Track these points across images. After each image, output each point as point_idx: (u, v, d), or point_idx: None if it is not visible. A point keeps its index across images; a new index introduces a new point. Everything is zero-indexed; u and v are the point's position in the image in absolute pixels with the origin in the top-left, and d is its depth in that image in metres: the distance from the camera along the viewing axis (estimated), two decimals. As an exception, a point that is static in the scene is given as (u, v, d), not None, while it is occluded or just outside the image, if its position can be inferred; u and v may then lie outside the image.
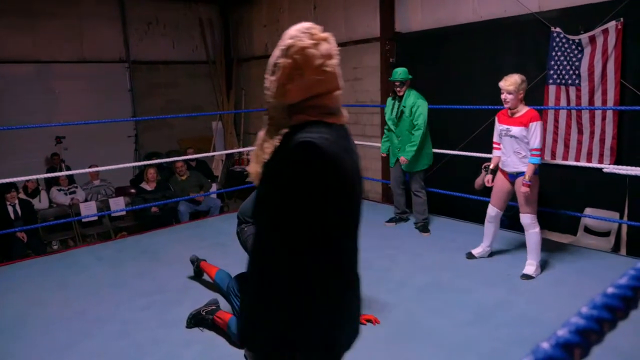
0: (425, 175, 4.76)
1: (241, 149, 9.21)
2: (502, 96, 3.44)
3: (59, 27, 8.35)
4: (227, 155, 9.59)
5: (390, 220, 4.94)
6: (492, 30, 5.50)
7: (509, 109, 3.48)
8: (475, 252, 3.94)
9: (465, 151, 5.09)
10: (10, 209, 5.60)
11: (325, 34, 1.30)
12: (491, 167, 3.78)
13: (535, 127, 3.37)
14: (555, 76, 4.92)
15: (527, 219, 3.50)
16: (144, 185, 6.68)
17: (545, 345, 0.36)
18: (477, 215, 5.33)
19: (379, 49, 6.71)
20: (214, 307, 2.88)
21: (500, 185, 3.67)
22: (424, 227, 4.65)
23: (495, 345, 2.68)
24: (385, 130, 4.90)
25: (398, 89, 4.49)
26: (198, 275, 3.67)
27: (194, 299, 3.26)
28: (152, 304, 3.27)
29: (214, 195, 7.29)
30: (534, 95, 5.08)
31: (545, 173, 5.00)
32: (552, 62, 4.89)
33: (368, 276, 3.55)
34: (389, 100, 4.69)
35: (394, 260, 3.96)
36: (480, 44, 5.65)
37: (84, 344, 2.77)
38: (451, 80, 5.91)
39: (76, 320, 3.05)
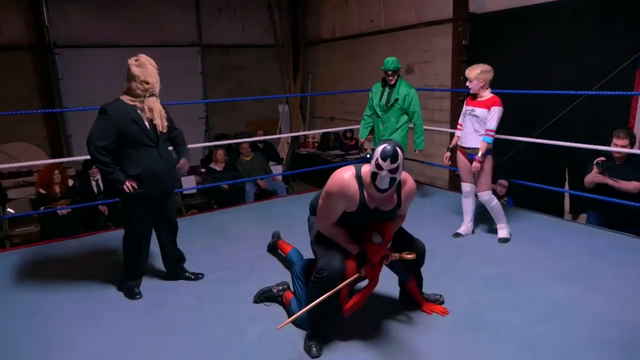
0: None
1: (307, 132, 9.29)
2: (467, 83, 3.85)
3: (138, 13, 8.76)
4: (292, 137, 9.71)
5: None
6: (577, 8, 5.11)
7: (474, 94, 3.87)
8: (461, 230, 4.12)
9: (542, 139, 4.81)
10: (93, 183, 6.01)
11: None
12: (451, 146, 4.24)
13: (496, 111, 3.75)
14: (648, 59, 4.51)
15: (485, 195, 3.92)
16: (213, 165, 6.92)
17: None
18: (551, 208, 5.07)
19: (451, 30, 6.46)
20: (285, 287, 3.03)
21: (464, 163, 4.02)
22: None
23: (568, 344, 2.53)
24: (365, 117, 5.04)
25: (390, 77, 4.70)
26: (271, 250, 3.78)
27: (258, 276, 3.36)
28: (220, 279, 3.40)
29: (279, 178, 7.41)
30: (622, 80, 4.69)
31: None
32: (646, 44, 4.48)
33: (433, 265, 3.50)
34: (378, 87, 4.87)
35: (460, 249, 3.85)
36: (563, 24, 5.27)
37: (159, 312, 2.95)
38: (530, 64, 5.58)
39: (152, 290, 3.25)
